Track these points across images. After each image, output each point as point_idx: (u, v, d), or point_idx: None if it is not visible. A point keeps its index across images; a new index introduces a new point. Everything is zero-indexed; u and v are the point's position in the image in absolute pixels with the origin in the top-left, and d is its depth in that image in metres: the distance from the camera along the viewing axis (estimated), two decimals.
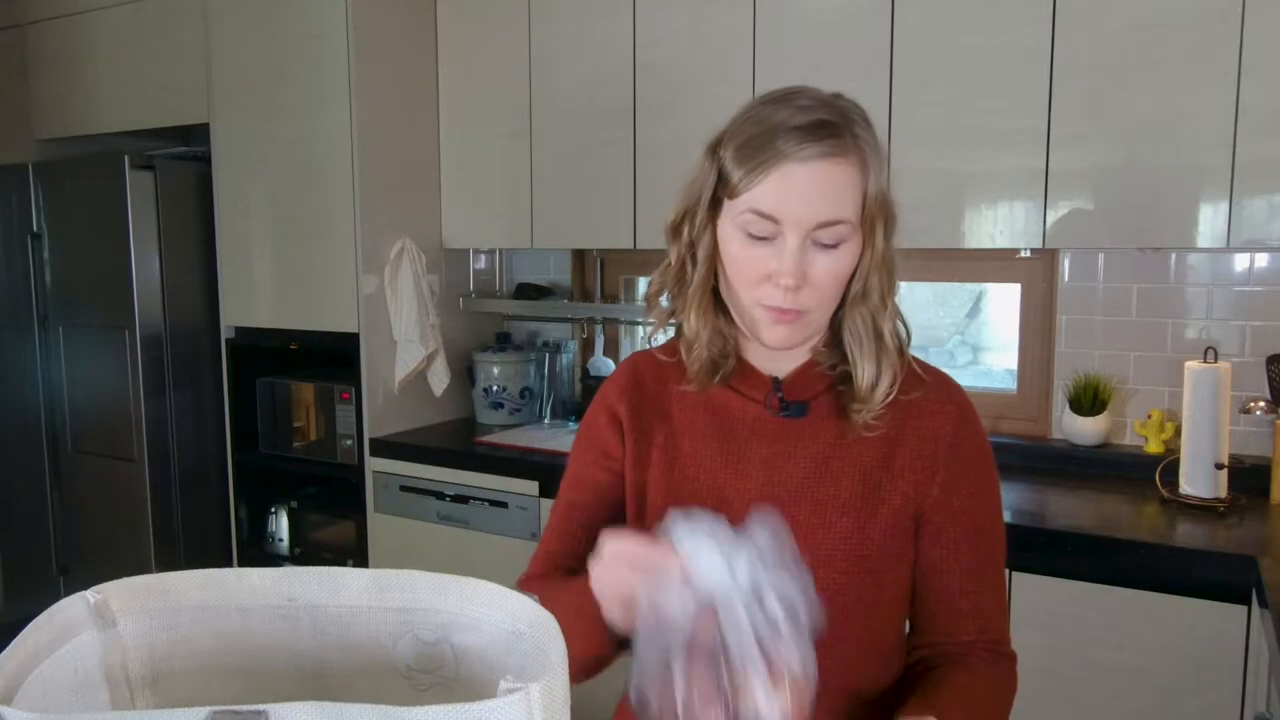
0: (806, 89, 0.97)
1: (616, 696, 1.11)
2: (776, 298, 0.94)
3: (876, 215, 0.95)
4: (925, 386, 1.04)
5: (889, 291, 1.00)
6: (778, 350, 1.02)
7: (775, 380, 1.04)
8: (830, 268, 0.94)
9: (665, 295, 1.07)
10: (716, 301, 1.04)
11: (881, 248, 0.97)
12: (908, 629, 1.09)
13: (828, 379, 1.03)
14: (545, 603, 0.82)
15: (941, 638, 1.05)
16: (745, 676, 0.74)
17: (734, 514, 0.99)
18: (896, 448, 1.01)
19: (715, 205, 0.98)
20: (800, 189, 0.91)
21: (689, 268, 1.02)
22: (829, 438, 1.02)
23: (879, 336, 1.00)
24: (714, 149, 0.98)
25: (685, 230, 1.01)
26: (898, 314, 1.03)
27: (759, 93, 1.00)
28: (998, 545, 1.06)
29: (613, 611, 0.87)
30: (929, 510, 1.02)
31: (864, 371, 0.99)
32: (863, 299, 0.99)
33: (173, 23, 3.30)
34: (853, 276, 0.98)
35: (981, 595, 1.04)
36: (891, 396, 1.00)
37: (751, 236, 0.94)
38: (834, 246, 0.93)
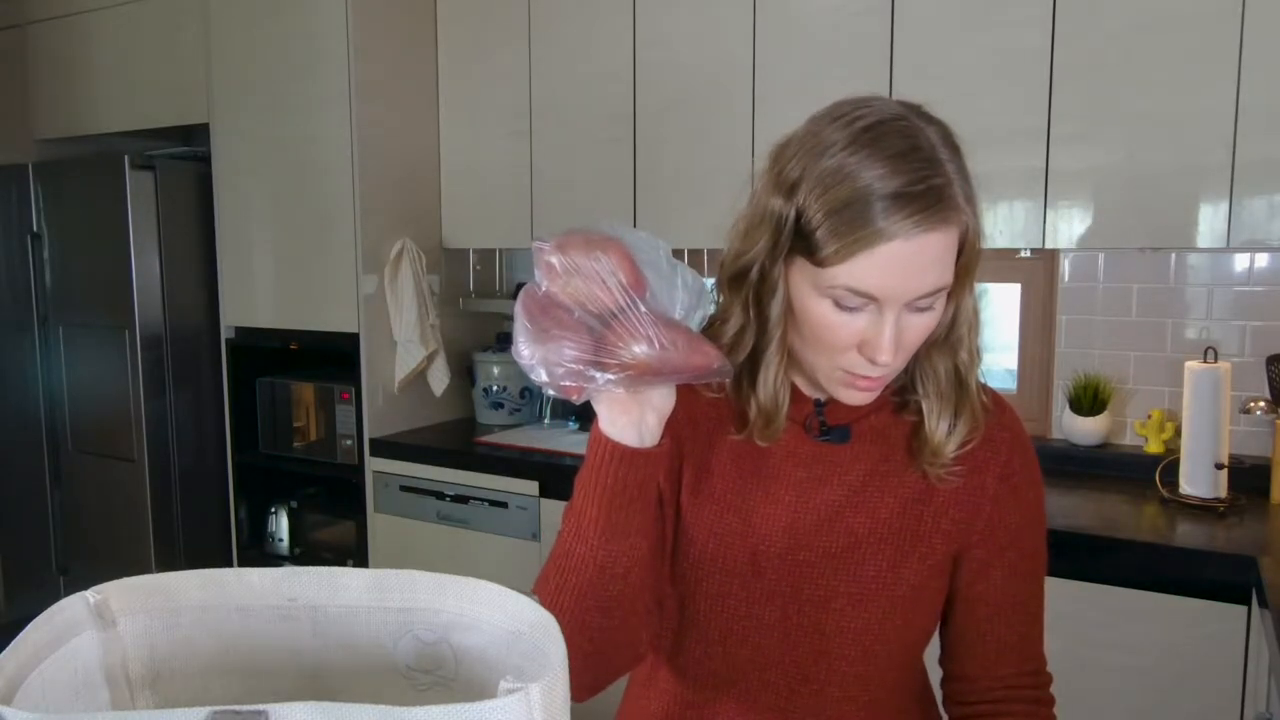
0: (888, 117, 0.83)
1: (617, 696, 1.11)
2: (864, 367, 0.85)
3: (971, 263, 0.86)
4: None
5: (977, 338, 0.92)
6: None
7: (817, 402, 0.96)
8: (921, 329, 0.85)
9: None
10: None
11: (971, 295, 0.89)
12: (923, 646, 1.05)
13: (875, 402, 0.93)
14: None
15: (981, 672, 1.01)
16: (637, 322, 0.74)
17: (758, 538, 0.94)
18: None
19: (788, 253, 0.86)
20: (905, 267, 0.80)
21: (751, 322, 0.90)
22: (869, 465, 0.94)
23: (962, 386, 0.92)
24: (787, 192, 0.84)
25: (748, 281, 0.88)
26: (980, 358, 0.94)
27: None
28: (1041, 575, 1.02)
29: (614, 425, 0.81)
30: (973, 544, 0.97)
31: (939, 424, 0.91)
32: (948, 347, 0.91)
33: (173, 23, 3.30)
34: None
35: (1026, 627, 1.01)
36: (969, 449, 0.93)
37: (841, 307, 0.83)
38: (928, 308, 0.84)
